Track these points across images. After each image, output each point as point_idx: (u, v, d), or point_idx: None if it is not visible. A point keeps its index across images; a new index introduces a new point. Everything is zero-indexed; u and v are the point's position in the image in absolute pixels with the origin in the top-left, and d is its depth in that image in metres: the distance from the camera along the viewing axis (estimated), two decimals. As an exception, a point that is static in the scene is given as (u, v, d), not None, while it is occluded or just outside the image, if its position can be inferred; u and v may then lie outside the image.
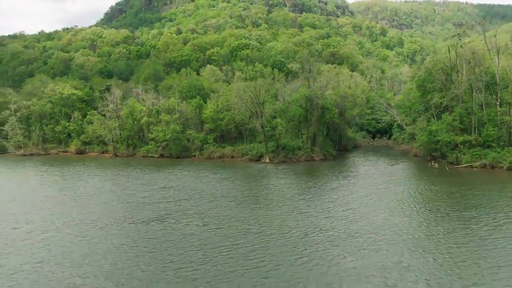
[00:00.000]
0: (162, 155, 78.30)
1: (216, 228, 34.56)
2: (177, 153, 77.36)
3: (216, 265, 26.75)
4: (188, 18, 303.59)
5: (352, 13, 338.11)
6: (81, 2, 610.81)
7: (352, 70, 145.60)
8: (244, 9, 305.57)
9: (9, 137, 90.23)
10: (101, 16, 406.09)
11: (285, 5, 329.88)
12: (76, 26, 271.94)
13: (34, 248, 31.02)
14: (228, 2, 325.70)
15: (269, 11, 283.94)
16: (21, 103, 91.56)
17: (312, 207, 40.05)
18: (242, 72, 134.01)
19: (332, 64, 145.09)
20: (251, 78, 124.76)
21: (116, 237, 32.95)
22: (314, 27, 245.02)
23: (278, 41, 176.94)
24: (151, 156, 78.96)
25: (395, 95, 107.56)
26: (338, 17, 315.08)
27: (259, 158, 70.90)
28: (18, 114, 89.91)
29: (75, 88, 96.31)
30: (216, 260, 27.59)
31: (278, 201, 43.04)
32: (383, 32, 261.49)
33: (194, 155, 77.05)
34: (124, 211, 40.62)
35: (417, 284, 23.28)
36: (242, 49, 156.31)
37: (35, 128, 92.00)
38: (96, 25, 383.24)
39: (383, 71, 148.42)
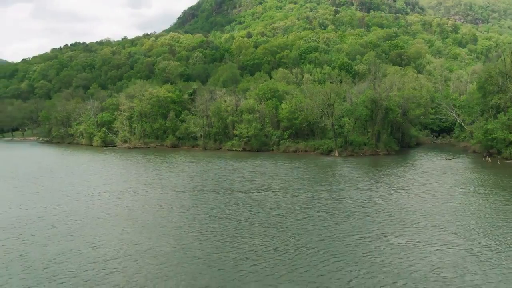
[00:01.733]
0: (244, 149, 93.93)
1: (296, 196, 48.60)
2: (257, 147, 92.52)
3: (300, 214, 40.54)
4: (256, 21, 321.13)
5: (422, 9, 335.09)
6: (156, 7, 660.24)
7: (419, 71, 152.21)
8: (311, 9, 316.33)
9: (118, 133, 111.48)
10: (174, 20, 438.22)
11: (352, 4, 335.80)
12: (155, 32, 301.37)
13: (177, 202, 46.96)
14: (295, 3, 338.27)
15: (336, 12, 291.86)
16: (126, 104, 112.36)
17: (368, 185, 52.79)
18: (311, 74, 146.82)
19: (399, 65, 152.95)
20: (319, 80, 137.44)
21: (230, 199, 48.02)
22: (381, 26, 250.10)
23: (345, 43, 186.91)
24: (235, 150, 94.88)
25: (460, 95, 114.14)
26: (407, 14, 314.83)
27: (329, 152, 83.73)
28: (125, 113, 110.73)
29: (168, 91, 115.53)
30: (299, 211, 41.42)
31: (342, 181, 56.24)
32: (455, 29, 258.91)
33: (272, 149, 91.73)
34: (229, 185, 55.98)
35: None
36: (311, 52, 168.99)
37: (137, 125, 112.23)
38: (170, 29, 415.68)
39: (451, 70, 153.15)
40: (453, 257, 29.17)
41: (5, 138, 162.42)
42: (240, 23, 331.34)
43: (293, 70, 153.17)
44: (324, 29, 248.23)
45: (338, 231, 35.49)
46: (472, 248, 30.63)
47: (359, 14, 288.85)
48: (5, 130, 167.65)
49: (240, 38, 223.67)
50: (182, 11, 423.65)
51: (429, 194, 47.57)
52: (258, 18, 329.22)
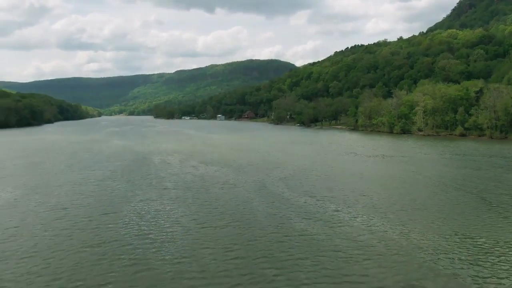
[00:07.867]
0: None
1: None
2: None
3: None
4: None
5: None
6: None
7: None
8: None
9: (414, 123, 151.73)
10: (445, 10, 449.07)
11: None
12: (434, 31, 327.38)
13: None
14: None
15: None
16: (422, 101, 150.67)
17: None
18: None
19: None
20: None
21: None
22: None
23: None
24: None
25: None
26: None
27: None
28: (422, 108, 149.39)
29: (458, 91, 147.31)
30: None
31: None
32: None
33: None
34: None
35: None
36: None
37: (430, 117, 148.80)
38: (443, 21, 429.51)
39: None
40: None
41: (316, 127, 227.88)
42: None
43: None
44: None
45: None
46: None
47: None
48: (319, 120, 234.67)
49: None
50: (458, 1, 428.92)
51: None
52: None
